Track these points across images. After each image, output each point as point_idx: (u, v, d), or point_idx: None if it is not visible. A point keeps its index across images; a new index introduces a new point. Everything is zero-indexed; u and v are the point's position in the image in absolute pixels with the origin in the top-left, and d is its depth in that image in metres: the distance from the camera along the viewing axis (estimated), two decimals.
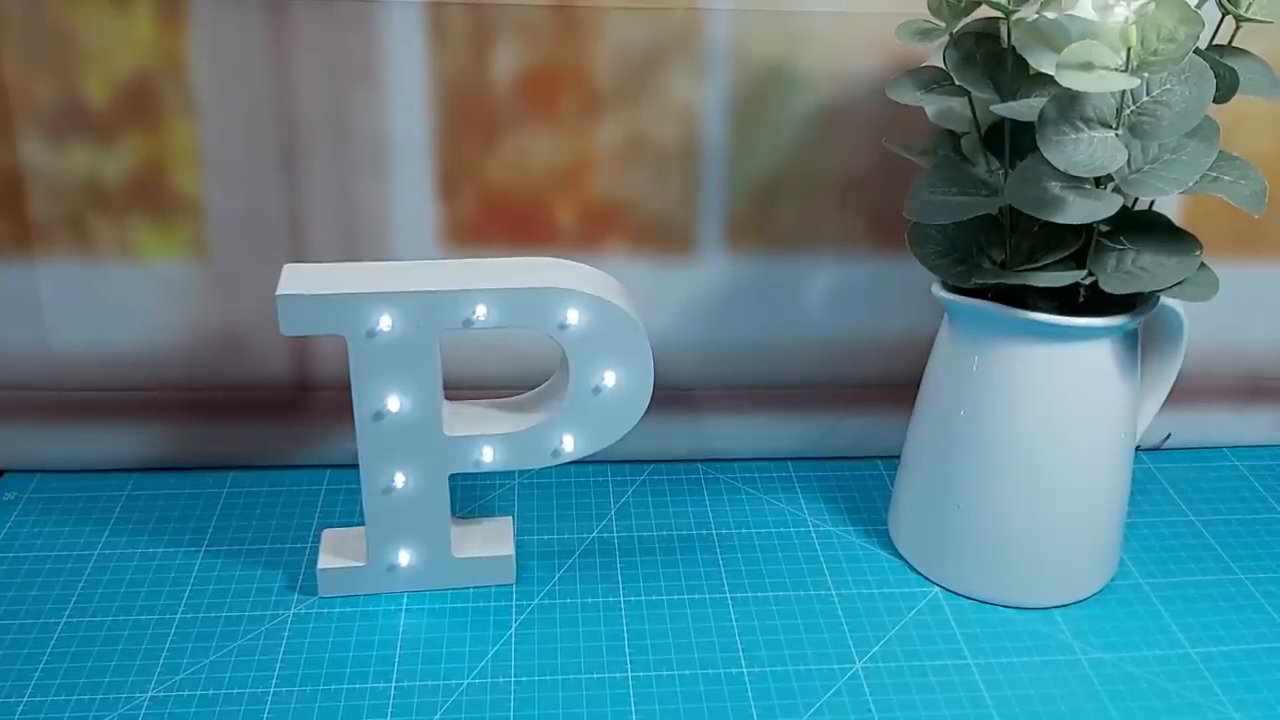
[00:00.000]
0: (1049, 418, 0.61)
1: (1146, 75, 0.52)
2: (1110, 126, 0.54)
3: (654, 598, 0.64)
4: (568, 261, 0.62)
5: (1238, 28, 0.58)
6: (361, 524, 0.63)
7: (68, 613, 0.62)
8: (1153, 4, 0.52)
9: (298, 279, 0.58)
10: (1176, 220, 0.60)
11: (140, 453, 0.73)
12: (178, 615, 0.62)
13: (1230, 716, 0.57)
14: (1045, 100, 0.54)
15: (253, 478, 0.73)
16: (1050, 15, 0.54)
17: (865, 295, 0.73)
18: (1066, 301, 0.60)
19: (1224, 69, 0.55)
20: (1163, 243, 0.58)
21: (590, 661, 0.60)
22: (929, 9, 0.59)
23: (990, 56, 0.59)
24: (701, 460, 0.77)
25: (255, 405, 0.73)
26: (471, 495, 0.73)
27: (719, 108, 0.68)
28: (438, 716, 0.56)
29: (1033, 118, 0.54)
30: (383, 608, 0.63)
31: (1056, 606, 0.64)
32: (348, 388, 0.59)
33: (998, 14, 0.57)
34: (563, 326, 0.59)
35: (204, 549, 0.67)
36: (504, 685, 0.58)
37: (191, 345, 0.71)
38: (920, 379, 0.66)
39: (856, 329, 0.73)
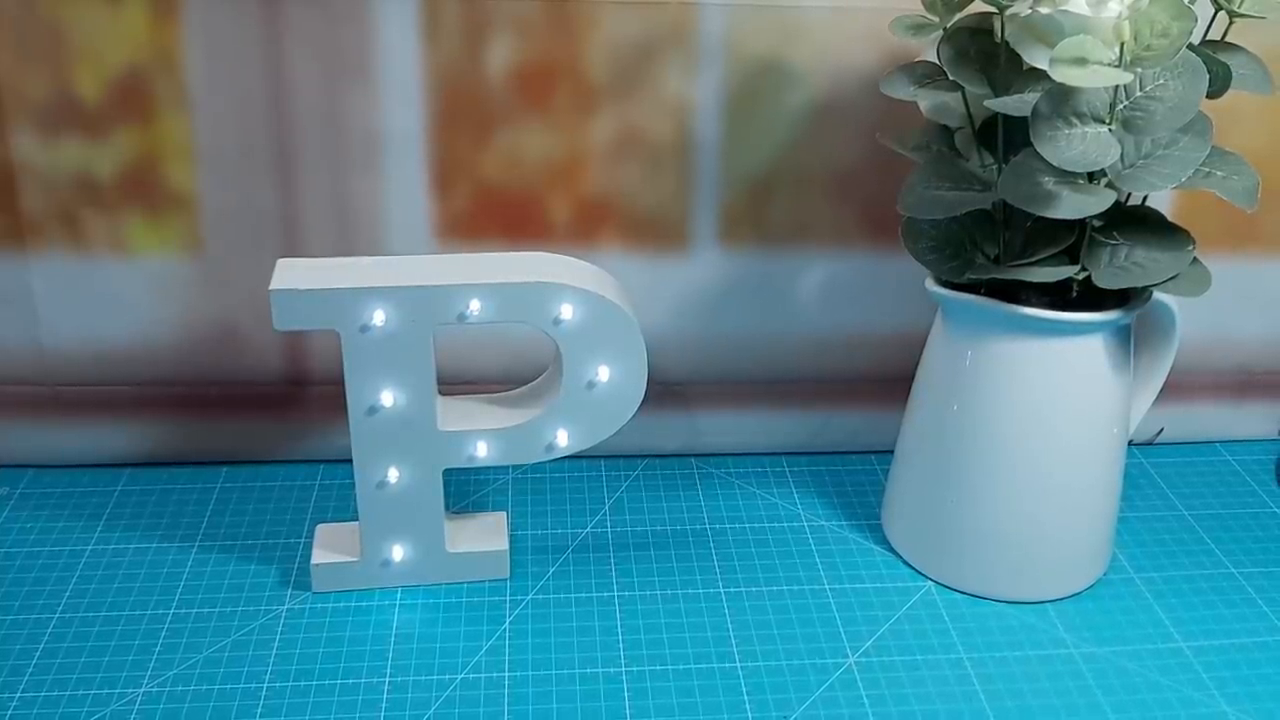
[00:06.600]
0: (1042, 412, 0.61)
1: (1139, 70, 0.52)
2: (1103, 122, 0.54)
3: (648, 593, 0.64)
4: (561, 256, 0.62)
5: (1231, 23, 0.58)
6: (355, 519, 0.63)
7: (61, 608, 0.62)
8: None
9: (291, 274, 0.58)
10: (1169, 215, 0.60)
11: (133, 448, 0.73)
12: (171, 611, 0.62)
13: (1222, 710, 0.57)
14: (1039, 95, 0.54)
15: (246, 473, 0.73)
16: (1044, 10, 0.54)
17: (859, 290, 0.73)
18: (1060, 296, 0.60)
19: (1217, 64, 0.55)
20: (1156, 238, 0.58)
21: (584, 656, 0.60)
22: (923, 4, 0.59)
23: (984, 52, 0.59)
24: (695, 455, 0.77)
25: (249, 400, 0.72)
26: (465, 490, 0.73)
27: (713, 102, 0.68)
28: (432, 711, 0.56)
29: (1026, 113, 0.54)
30: (376, 603, 0.63)
31: (1049, 600, 0.64)
32: (341, 383, 0.59)
33: (991, 9, 0.57)
34: (556, 321, 0.59)
35: (197, 544, 0.67)
36: (498, 680, 0.58)
37: (185, 340, 0.70)
38: (914, 374, 0.66)
39: (850, 324, 0.73)
